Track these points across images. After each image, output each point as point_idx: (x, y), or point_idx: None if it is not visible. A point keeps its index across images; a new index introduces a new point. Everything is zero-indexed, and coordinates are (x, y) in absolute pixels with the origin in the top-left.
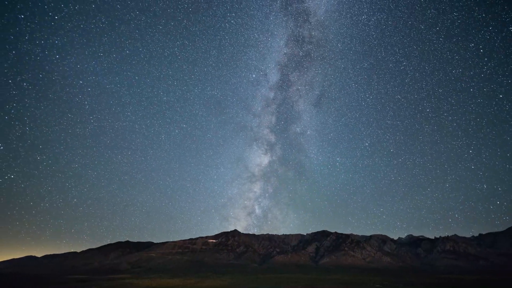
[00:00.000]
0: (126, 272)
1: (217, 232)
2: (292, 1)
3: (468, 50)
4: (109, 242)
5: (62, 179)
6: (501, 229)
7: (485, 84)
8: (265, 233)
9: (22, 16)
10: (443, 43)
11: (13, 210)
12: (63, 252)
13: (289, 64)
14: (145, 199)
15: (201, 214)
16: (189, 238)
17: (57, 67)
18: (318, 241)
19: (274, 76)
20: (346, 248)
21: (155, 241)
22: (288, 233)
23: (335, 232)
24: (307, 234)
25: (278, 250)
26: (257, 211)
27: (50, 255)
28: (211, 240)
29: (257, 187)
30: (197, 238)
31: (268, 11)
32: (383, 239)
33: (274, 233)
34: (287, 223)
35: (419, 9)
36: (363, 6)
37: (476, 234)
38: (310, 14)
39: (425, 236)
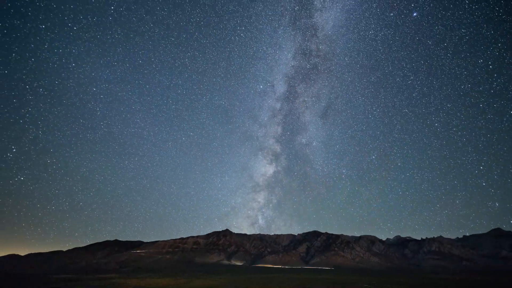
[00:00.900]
0: (114, 271)
1: (208, 232)
2: (300, 16)
3: (477, 66)
4: (96, 241)
5: (69, 183)
6: (484, 231)
7: (495, 100)
8: (256, 233)
9: (43, 26)
10: (451, 59)
11: (20, 211)
12: (47, 251)
13: (296, 76)
14: (149, 205)
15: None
16: (180, 237)
17: (73, 75)
18: (309, 241)
19: (281, 88)
20: (336, 248)
21: (144, 240)
22: (279, 233)
23: (326, 232)
24: (298, 234)
25: (269, 250)
26: (260, 221)
27: (34, 253)
28: (202, 240)
29: (261, 197)
30: (188, 238)
31: (277, 25)
32: (372, 240)
33: (265, 233)
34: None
35: (426, 25)
36: (370, 22)
37: (461, 236)
38: (318, 29)
39: (412, 237)
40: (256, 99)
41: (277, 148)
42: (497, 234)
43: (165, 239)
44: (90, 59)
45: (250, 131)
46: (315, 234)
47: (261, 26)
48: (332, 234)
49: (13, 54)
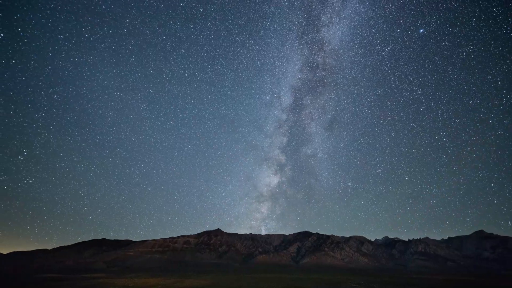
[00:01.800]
0: (101, 271)
1: (199, 231)
2: (307, 31)
3: (485, 82)
4: (83, 240)
5: (76, 187)
6: (467, 233)
7: (505, 116)
8: (248, 232)
9: (62, 37)
10: (459, 74)
11: (26, 214)
12: (31, 249)
13: (303, 88)
14: (152, 212)
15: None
16: (170, 236)
17: (86, 83)
18: (299, 242)
19: (287, 99)
20: (326, 249)
21: (133, 239)
22: (271, 233)
23: (316, 232)
24: (289, 234)
25: (260, 250)
26: (263, 232)
27: (17, 252)
28: (193, 239)
29: (264, 208)
30: (178, 237)
31: (284, 39)
32: (361, 240)
33: (257, 232)
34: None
35: (433, 41)
36: (377, 37)
37: (446, 237)
38: (325, 43)
39: (399, 238)
40: (262, 110)
41: (282, 158)
42: (479, 236)
43: (155, 238)
44: (104, 68)
45: (255, 141)
46: (306, 234)
47: (269, 40)
48: (322, 235)
49: (32, 62)
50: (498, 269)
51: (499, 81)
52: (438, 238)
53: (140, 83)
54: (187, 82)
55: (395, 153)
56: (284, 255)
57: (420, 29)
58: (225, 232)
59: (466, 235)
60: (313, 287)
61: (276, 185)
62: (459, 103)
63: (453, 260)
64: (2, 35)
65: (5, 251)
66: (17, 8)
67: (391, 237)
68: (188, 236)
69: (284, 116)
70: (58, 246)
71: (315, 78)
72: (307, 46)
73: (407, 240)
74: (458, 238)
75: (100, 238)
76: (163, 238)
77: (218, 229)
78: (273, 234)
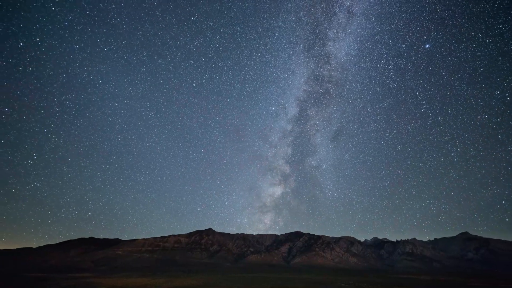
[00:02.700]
0: (89, 270)
1: (191, 231)
2: (314, 45)
3: (493, 97)
4: (69, 239)
5: (81, 192)
6: (453, 234)
7: None
8: (239, 232)
9: (77, 47)
10: (466, 89)
11: (31, 217)
12: (15, 247)
13: (308, 100)
14: (155, 219)
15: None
16: (160, 235)
17: (98, 90)
18: (291, 242)
19: (292, 110)
20: (317, 249)
21: (122, 238)
22: (262, 233)
23: (308, 233)
24: (281, 234)
25: (252, 249)
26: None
27: (1, 250)
28: (184, 238)
29: (267, 219)
30: (169, 236)
31: (291, 52)
32: (351, 241)
33: (249, 232)
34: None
35: (439, 56)
36: (383, 52)
37: (432, 238)
38: (331, 57)
39: (388, 238)
40: (268, 120)
41: (287, 169)
42: (464, 237)
43: (145, 237)
44: (115, 77)
45: (260, 151)
46: (298, 234)
47: (276, 53)
48: (313, 235)
49: (47, 70)
50: (481, 269)
51: (508, 96)
52: (425, 239)
53: (149, 91)
54: (195, 92)
55: (401, 167)
56: (276, 255)
57: (426, 45)
58: (217, 232)
59: (451, 237)
60: (303, 287)
61: (279, 196)
62: (467, 118)
63: (438, 261)
64: (21, 44)
65: None
66: (37, 19)
67: (380, 237)
68: (179, 235)
69: (289, 127)
70: (43, 244)
71: (320, 90)
72: (313, 59)
73: (395, 241)
74: (444, 239)
75: (87, 236)
76: (153, 237)
77: (210, 228)
78: (265, 234)
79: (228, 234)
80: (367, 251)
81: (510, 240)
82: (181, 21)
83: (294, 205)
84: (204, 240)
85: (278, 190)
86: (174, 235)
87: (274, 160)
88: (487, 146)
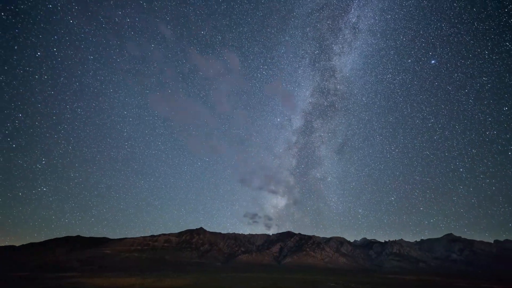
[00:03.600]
0: (75, 270)
1: (181, 230)
2: (320, 59)
3: (502, 113)
4: (55, 237)
5: (86, 197)
6: (438, 236)
7: None
8: (231, 232)
9: (91, 57)
10: (474, 105)
11: (35, 221)
12: None
13: (313, 112)
14: (157, 227)
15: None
16: (150, 234)
17: (109, 99)
18: (282, 242)
19: (298, 122)
20: (307, 249)
21: (110, 237)
22: (254, 233)
23: (299, 233)
24: (272, 234)
25: (243, 249)
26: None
27: None
28: (174, 238)
29: (270, 230)
30: (159, 235)
31: (297, 66)
32: (341, 241)
33: (240, 232)
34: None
35: (445, 72)
36: (388, 66)
37: (418, 239)
38: (336, 71)
39: (376, 239)
40: (273, 131)
41: (291, 180)
42: (449, 239)
43: (134, 236)
44: (126, 87)
45: (264, 161)
46: (289, 234)
47: (282, 66)
48: (304, 235)
49: (61, 78)
50: (465, 270)
51: None
52: (412, 240)
53: (157, 101)
54: (202, 102)
55: (408, 181)
56: (267, 254)
57: (431, 60)
58: (208, 231)
59: (436, 238)
60: (293, 286)
61: (283, 207)
62: (475, 133)
63: (424, 261)
64: (39, 53)
65: None
66: (56, 30)
67: (369, 238)
68: (169, 234)
69: (294, 138)
70: (27, 243)
71: (326, 102)
72: (319, 72)
73: (383, 241)
74: (429, 240)
75: (74, 235)
76: (142, 236)
77: (201, 227)
78: (256, 234)
79: (220, 233)
80: (356, 251)
81: (491, 241)
82: (192, 35)
83: (298, 217)
84: (195, 239)
85: (281, 202)
86: (164, 234)
87: (278, 171)
88: (496, 163)
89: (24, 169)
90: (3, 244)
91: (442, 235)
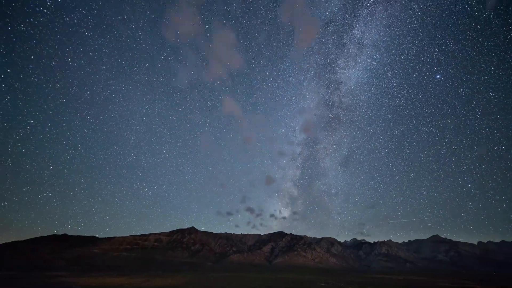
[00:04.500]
0: (62, 269)
1: (173, 229)
2: (325, 72)
3: (510, 129)
4: (41, 235)
5: (90, 203)
6: (425, 237)
7: None
8: (223, 231)
9: (103, 67)
10: (481, 120)
11: (39, 226)
12: None
13: (318, 124)
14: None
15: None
16: (140, 233)
17: (118, 107)
18: (274, 242)
19: (302, 133)
20: (299, 249)
21: (99, 236)
22: (246, 232)
23: (291, 233)
24: (264, 234)
25: (234, 249)
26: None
27: None
28: (164, 237)
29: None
30: (149, 234)
31: (302, 78)
32: (331, 242)
33: (232, 232)
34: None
35: (451, 87)
36: (393, 80)
37: (406, 240)
38: (341, 84)
39: (366, 240)
40: (278, 142)
41: (294, 191)
42: (435, 240)
43: (123, 235)
44: (135, 96)
45: (268, 171)
46: (281, 235)
47: (288, 79)
48: (296, 235)
49: (74, 87)
50: (450, 270)
51: None
52: (400, 241)
53: (165, 110)
54: (208, 112)
55: (415, 196)
56: (258, 254)
57: (436, 75)
58: (200, 231)
59: (423, 239)
60: (284, 286)
61: (286, 219)
62: (483, 148)
63: (411, 262)
64: (53, 63)
65: None
66: (71, 42)
67: (359, 239)
68: (160, 233)
69: (298, 150)
70: (10, 241)
71: (330, 115)
72: (323, 85)
73: (372, 242)
74: (417, 241)
75: (60, 233)
76: (132, 235)
77: (193, 227)
78: (248, 234)
79: (211, 233)
80: (346, 251)
81: (475, 243)
82: (200, 47)
83: (301, 229)
84: (186, 239)
85: (285, 213)
86: (155, 234)
87: (282, 182)
88: (506, 179)
89: (32, 174)
90: None
91: (428, 236)
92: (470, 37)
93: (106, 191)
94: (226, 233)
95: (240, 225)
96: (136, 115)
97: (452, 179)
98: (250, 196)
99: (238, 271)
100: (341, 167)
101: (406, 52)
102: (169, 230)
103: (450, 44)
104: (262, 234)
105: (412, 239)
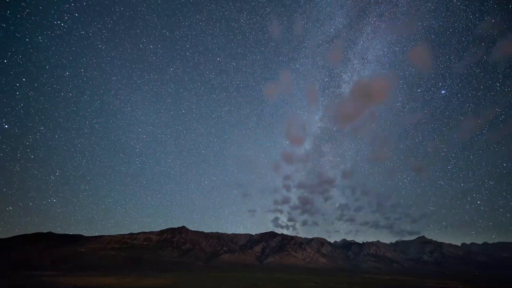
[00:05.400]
0: (47, 268)
1: (163, 228)
2: (329, 86)
3: None
4: (24, 233)
5: (94, 210)
6: (411, 238)
7: None
8: (214, 231)
9: (114, 78)
10: (488, 135)
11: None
12: None
13: (323, 136)
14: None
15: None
16: (129, 232)
17: (126, 117)
18: (265, 242)
19: (306, 145)
20: (289, 249)
21: (85, 234)
22: (237, 232)
23: (282, 233)
24: (255, 234)
25: (225, 248)
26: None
27: None
28: (154, 236)
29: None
30: (138, 233)
31: (306, 91)
32: (321, 242)
33: (223, 231)
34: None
35: (456, 102)
36: (397, 95)
37: (394, 241)
38: (345, 97)
39: (355, 240)
40: (281, 153)
41: (297, 203)
42: (421, 241)
43: (112, 234)
44: (144, 106)
45: (271, 182)
46: (272, 235)
47: (292, 92)
48: (287, 235)
49: (85, 96)
50: (435, 270)
51: None
52: (388, 241)
53: (171, 120)
54: (213, 123)
55: (422, 211)
56: (249, 254)
57: (441, 91)
58: (190, 230)
59: (410, 240)
60: (274, 286)
61: (288, 232)
62: (491, 165)
63: (398, 262)
64: (67, 73)
65: None
66: (85, 54)
67: (348, 239)
68: (150, 232)
69: (302, 161)
70: None
71: (335, 128)
72: (328, 98)
73: (361, 242)
74: (404, 242)
75: (45, 231)
76: (121, 234)
77: (183, 226)
78: (239, 234)
79: (202, 232)
80: (336, 251)
81: (458, 244)
82: (208, 60)
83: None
84: (176, 238)
85: (288, 224)
86: (144, 232)
87: (286, 194)
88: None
89: (38, 179)
90: None
91: (415, 238)
92: (475, 54)
93: (110, 198)
94: (217, 232)
95: (243, 232)
96: (143, 124)
97: (460, 195)
98: (254, 207)
99: (229, 271)
100: (345, 180)
101: (410, 68)
102: (159, 229)
103: (455, 60)
104: (254, 234)
105: (399, 240)
